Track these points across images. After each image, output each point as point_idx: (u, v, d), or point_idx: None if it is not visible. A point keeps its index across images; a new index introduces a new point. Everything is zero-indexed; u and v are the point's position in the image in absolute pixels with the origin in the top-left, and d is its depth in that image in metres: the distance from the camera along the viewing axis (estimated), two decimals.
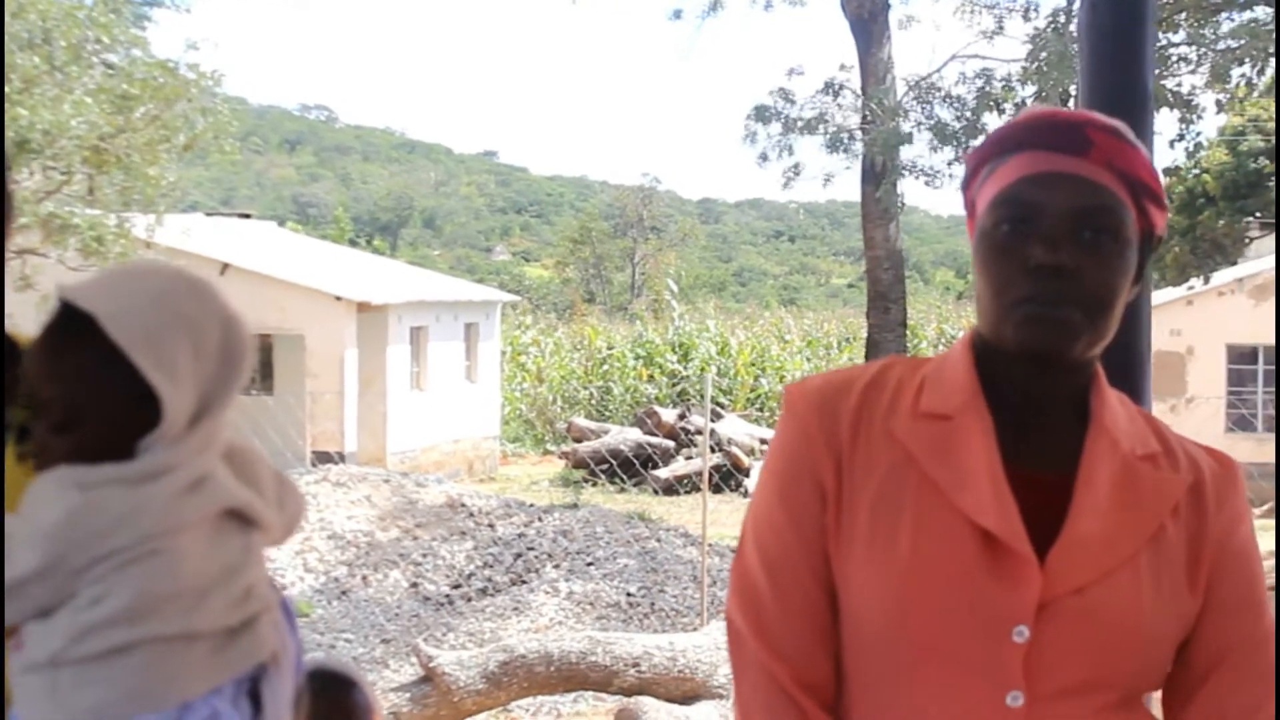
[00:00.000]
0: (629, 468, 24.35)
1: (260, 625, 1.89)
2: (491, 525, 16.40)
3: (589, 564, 14.50)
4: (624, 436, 26.21)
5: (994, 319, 1.97)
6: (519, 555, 15.07)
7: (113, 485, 1.77)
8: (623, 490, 23.98)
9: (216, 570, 1.83)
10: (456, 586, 14.64)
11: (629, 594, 13.66)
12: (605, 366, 37.62)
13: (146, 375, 1.77)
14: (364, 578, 14.74)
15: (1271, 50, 17.65)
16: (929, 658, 1.91)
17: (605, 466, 24.13)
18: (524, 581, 14.20)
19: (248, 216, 36.09)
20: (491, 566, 15.04)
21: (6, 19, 16.70)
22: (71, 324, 1.78)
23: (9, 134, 16.33)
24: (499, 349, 34.10)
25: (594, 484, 24.29)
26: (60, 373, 1.79)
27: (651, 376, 35.92)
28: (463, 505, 17.17)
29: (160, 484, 1.79)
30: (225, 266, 24.28)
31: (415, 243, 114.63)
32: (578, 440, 27.46)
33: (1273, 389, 26.91)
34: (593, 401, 35.30)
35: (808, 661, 2.01)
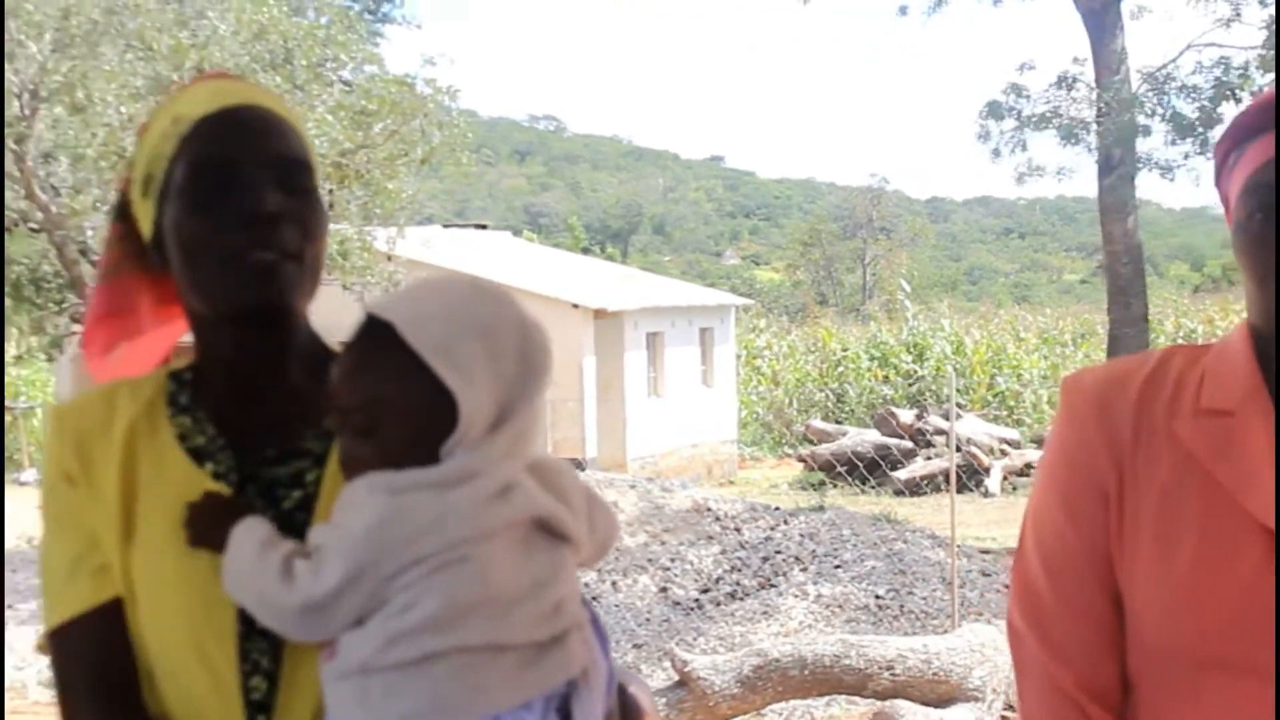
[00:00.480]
0: (868, 469, 24.20)
1: (570, 642, 1.86)
2: (738, 529, 16.41)
3: (836, 566, 14.44)
4: (862, 438, 26.05)
5: (1262, 310, 1.90)
6: (766, 559, 15.07)
7: (421, 490, 1.78)
8: (863, 492, 23.85)
9: (525, 582, 1.81)
10: (705, 591, 14.67)
11: (877, 596, 13.57)
12: (840, 368, 37.43)
13: (442, 378, 1.79)
14: (614, 583, 14.86)
15: None
16: (1217, 667, 1.83)
17: (844, 468, 24.01)
18: (772, 585, 14.20)
19: (484, 227, 36.70)
20: (739, 570, 15.04)
21: (251, 43, 17.25)
22: (372, 333, 1.82)
23: None
24: (734, 353, 34.14)
25: (834, 486, 24.18)
26: (362, 379, 1.82)
27: (887, 377, 35.61)
28: (708, 509, 17.22)
29: (467, 489, 1.79)
30: None
31: (645, 249, 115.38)
32: (815, 442, 27.35)
33: None
34: (828, 403, 35.15)
35: (1093, 667, 1.95)
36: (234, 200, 1.90)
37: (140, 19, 16.73)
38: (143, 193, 2.01)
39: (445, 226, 34.41)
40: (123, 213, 2.07)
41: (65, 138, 17.02)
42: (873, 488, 24.10)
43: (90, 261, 18.00)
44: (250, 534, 1.85)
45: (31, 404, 31.98)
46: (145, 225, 2.02)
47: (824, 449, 26.11)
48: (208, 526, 1.89)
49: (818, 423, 29.16)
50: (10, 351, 29.00)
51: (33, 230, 18.10)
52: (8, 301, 20.19)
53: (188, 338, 2.13)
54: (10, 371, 32.95)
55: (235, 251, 1.89)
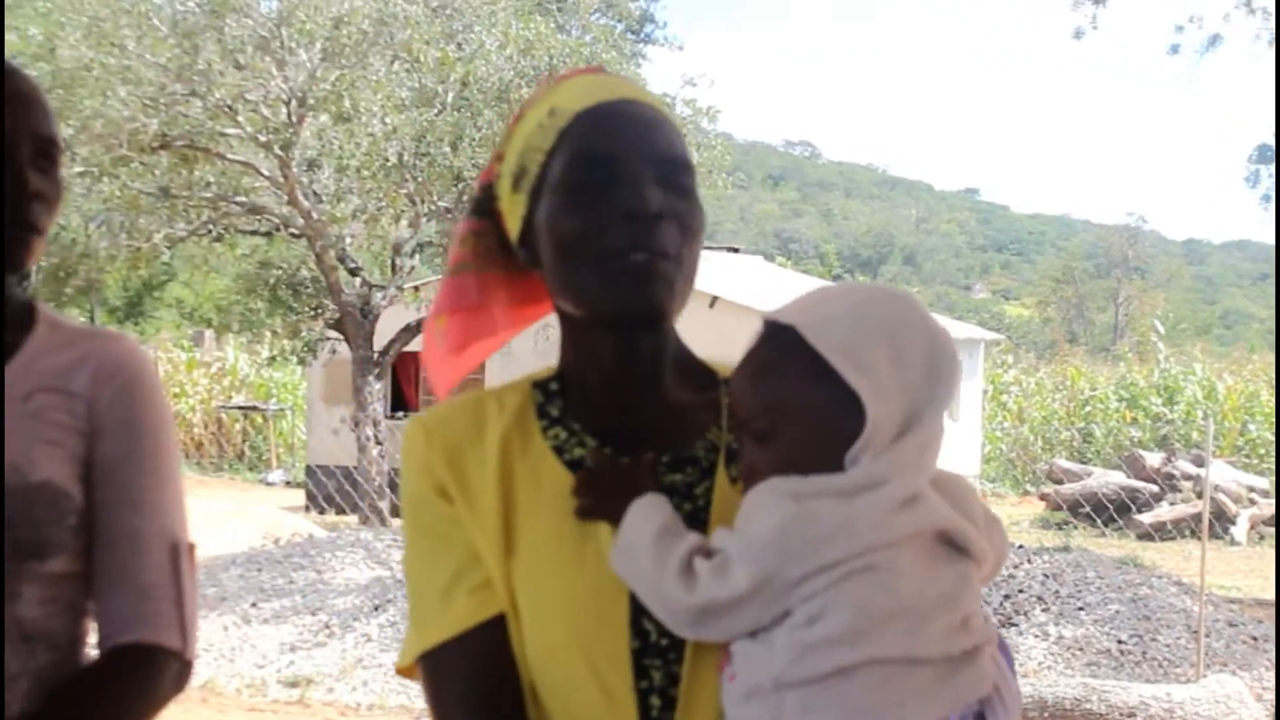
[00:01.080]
0: (1111, 511, 23.60)
1: (982, 658, 1.79)
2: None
3: (1079, 608, 14.05)
4: (1106, 479, 25.40)
5: None
6: (1007, 596, 14.74)
7: (826, 496, 1.72)
8: (1105, 534, 23.25)
9: (934, 594, 1.74)
10: None
11: (1120, 641, 13.17)
12: (1087, 408, 36.59)
13: (848, 381, 1.73)
14: None
15: None
16: None
17: (1088, 508, 23.43)
18: (1012, 624, 13.87)
19: (736, 250, 36.72)
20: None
21: (517, 59, 17.49)
22: (774, 337, 1.78)
23: None
24: (980, 388, 33.62)
25: (1076, 526, 23.62)
26: (764, 383, 1.78)
27: (1135, 419, 34.71)
28: None
29: (873, 497, 1.72)
30: (714, 299, 24.73)
31: (895, 279, 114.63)
32: (1059, 481, 26.77)
33: None
34: (1074, 443, 34.38)
35: None
36: (615, 197, 1.83)
37: (409, 31, 17.08)
38: (514, 187, 1.95)
39: None
40: (483, 208, 2.03)
41: (330, 146, 17.45)
42: (1116, 530, 23.49)
43: (348, 269, 18.44)
44: (650, 514, 1.81)
45: (282, 406, 32.91)
46: (513, 221, 1.97)
47: (1068, 488, 25.54)
48: (603, 497, 1.85)
49: (1063, 462, 28.51)
50: (263, 354, 29.94)
51: (293, 236, 18.62)
52: (263, 304, 20.81)
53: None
54: (261, 373, 34.00)
55: (614, 251, 1.82)
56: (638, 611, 1.81)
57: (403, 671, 1.93)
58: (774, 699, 1.70)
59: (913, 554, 1.73)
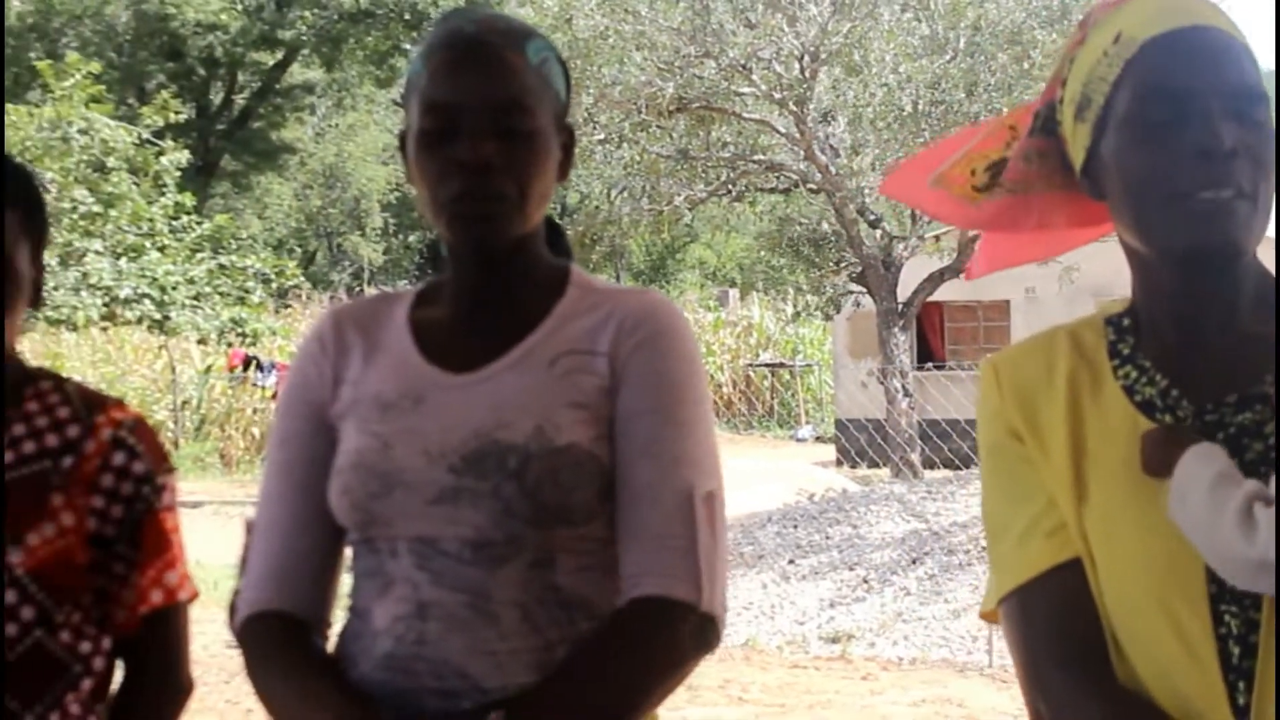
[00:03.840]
0: None
1: None
2: None
3: None
4: None
5: None
6: None
7: None
8: None
9: None
10: None
11: None
12: None
13: None
14: None
15: None
16: None
17: None
18: None
19: None
20: None
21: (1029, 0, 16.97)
22: None
23: None
24: None
25: None
26: None
27: None
28: None
29: None
30: None
31: None
32: None
33: None
34: None
35: None
36: (1186, 134, 1.76)
37: None
38: (1077, 116, 1.88)
39: None
40: (1048, 127, 1.98)
41: (843, 99, 17.43)
42: None
43: (868, 221, 18.38)
44: (1206, 461, 1.72)
45: (809, 362, 33.25)
46: (1077, 151, 1.90)
47: None
48: (1166, 457, 1.77)
49: None
50: (787, 310, 30.24)
51: (811, 191, 18.71)
52: (785, 261, 20.99)
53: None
54: (787, 330, 34.42)
55: (1186, 191, 1.75)
56: None
57: (986, 616, 1.94)
58: None
59: None
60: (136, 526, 2.30)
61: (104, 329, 25.55)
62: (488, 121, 2.05)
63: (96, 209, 24.49)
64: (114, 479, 2.28)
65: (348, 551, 2.18)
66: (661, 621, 2.01)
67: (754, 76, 16.85)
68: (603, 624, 2.05)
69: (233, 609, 2.16)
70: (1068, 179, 1.96)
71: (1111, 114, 1.82)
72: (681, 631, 2.02)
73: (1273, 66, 1.93)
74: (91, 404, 2.32)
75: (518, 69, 2.09)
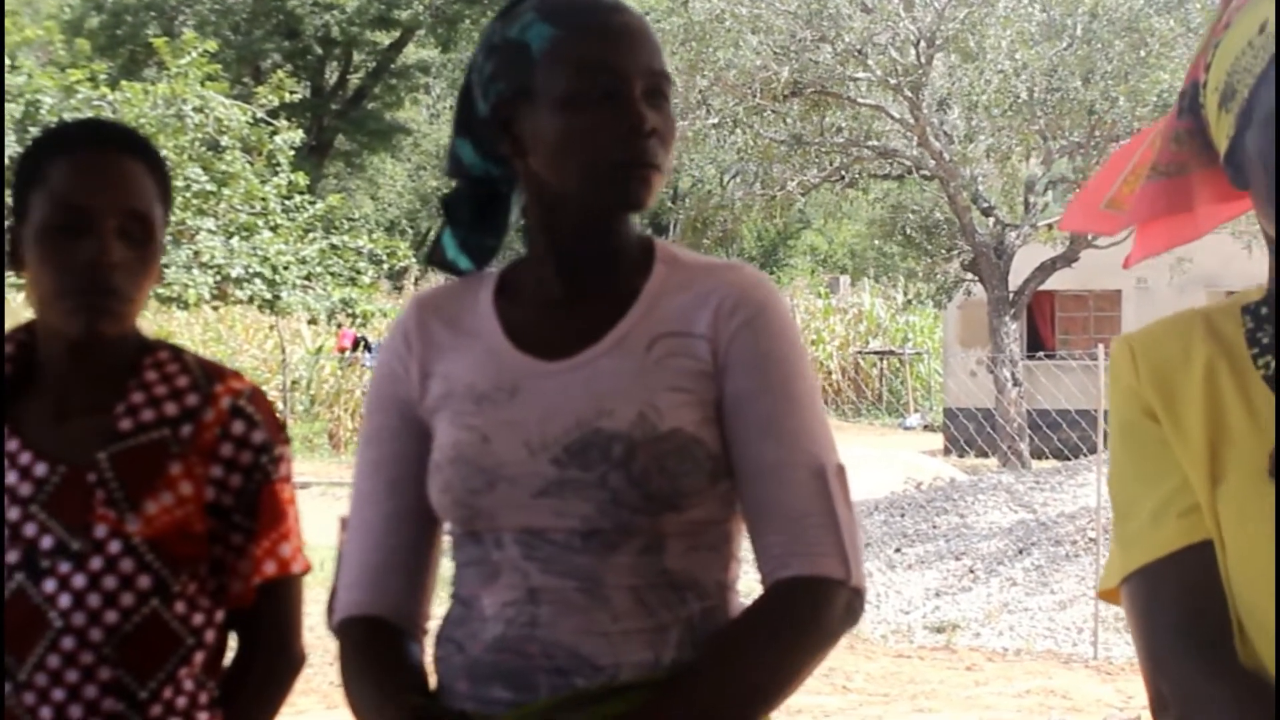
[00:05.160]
0: None
1: None
2: None
3: None
4: None
5: None
6: None
7: None
8: None
9: None
10: None
11: None
12: None
13: None
14: None
15: None
16: None
17: None
18: None
19: None
20: None
21: None
22: None
23: None
24: None
25: None
26: None
27: None
28: None
29: None
30: None
31: None
32: None
33: None
34: None
35: None
36: None
37: None
38: (1220, 105, 1.85)
39: None
40: (1194, 108, 1.95)
41: (959, 85, 17.31)
42: None
43: (980, 209, 18.24)
44: None
45: (919, 350, 33.04)
46: (1220, 139, 1.87)
47: None
48: None
49: None
50: (898, 298, 30.05)
51: (924, 178, 18.60)
52: (896, 248, 20.86)
53: None
54: (897, 318, 34.21)
55: None
56: None
57: (1104, 595, 1.91)
58: None
59: None
60: (254, 496, 2.29)
61: (215, 308, 25.82)
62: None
63: (210, 187, 24.65)
64: (233, 448, 2.27)
65: (446, 540, 2.17)
66: (814, 601, 2.01)
67: (869, 62, 16.75)
68: (753, 606, 2.04)
69: (330, 608, 2.15)
70: (1212, 157, 1.93)
71: (1255, 109, 1.79)
72: (833, 609, 2.01)
73: None
74: (210, 373, 2.31)
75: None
